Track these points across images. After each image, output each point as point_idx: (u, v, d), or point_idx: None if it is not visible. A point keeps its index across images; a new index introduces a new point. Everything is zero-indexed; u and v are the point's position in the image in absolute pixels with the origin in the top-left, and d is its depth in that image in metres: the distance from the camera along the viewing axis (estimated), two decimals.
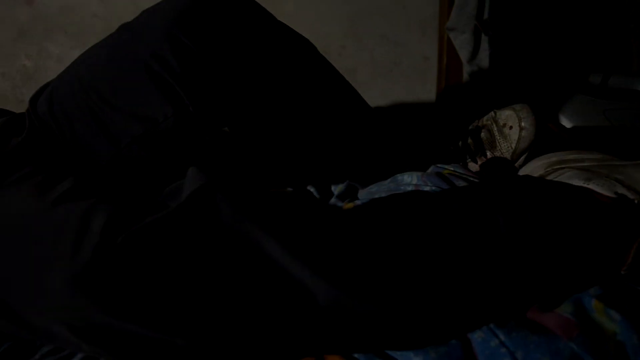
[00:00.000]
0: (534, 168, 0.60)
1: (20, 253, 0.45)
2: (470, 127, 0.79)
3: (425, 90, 1.19)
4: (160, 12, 0.63)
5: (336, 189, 0.83)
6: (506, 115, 0.76)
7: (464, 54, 1.02)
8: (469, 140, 0.77)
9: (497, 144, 0.75)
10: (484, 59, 1.01)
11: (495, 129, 0.75)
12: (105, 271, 0.39)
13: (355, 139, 0.74)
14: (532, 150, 0.74)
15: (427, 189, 0.62)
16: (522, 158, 0.75)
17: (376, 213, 0.50)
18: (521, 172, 0.67)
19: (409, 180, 0.68)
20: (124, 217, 0.43)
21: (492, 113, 0.78)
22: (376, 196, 0.70)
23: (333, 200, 0.76)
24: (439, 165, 0.71)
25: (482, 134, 0.76)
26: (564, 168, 0.55)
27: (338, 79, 0.72)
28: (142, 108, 0.63)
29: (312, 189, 0.84)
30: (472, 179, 0.63)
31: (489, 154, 0.75)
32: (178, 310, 0.39)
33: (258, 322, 0.39)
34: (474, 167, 0.76)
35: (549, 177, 0.56)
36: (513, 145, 0.74)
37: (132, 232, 0.40)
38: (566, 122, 0.94)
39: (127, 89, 0.64)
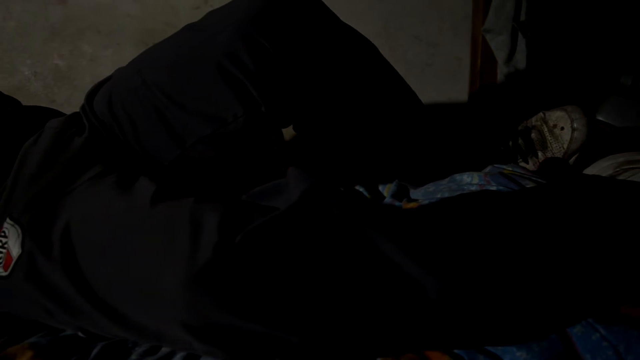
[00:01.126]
0: (601, 168, 0.62)
1: (123, 253, 0.46)
2: (519, 128, 0.81)
3: (457, 91, 1.20)
4: (233, 13, 0.63)
5: (384, 189, 0.84)
6: (557, 116, 0.77)
7: (501, 56, 1.04)
8: (520, 141, 0.78)
9: (549, 145, 0.77)
10: (520, 60, 1.02)
11: (545, 129, 0.77)
12: (226, 269, 0.40)
13: (410, 138, 0.75)
14: (583, 151, 0.76)
15: (493, 188, 0.63)
16: (573, 158, 0.76)
17: (459, 211, 0.51)
18: (587, 172, 0.68)
19: (469, 180, 0.69)
20: (236, 217, 0.43)
21: (540, 114, 0.80)
22: (438, 195, 0.71)
23: (388, 199, 0.77)
24: (495, 165, 0.72)
25: (533, 135, 0.78)
26: (635, 168, 0.56)
27: (396, 79, 0.74)
28: (211, 107, 0.64)
29: (361, 189, 0.85)
30: (535, 178, 0.64)
31: (540, 154, 0.77)
32: (296, 308, 0.40)
33: (373, 318, 0.40)
34: (526, 167, 0.78)
35: (620, 177, 0.58)
36: (565, 146, 0.75)
37: (249, 230, 0.41)
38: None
39: (197, 88, 0.64)
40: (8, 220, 0.55)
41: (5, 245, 0.52)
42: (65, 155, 0.65)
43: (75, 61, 1.23)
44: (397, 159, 0.79)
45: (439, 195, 0.69)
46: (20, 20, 1.22)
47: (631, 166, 0.58)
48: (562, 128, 0.76)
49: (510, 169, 0.70)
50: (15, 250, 0.51)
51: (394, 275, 0.40)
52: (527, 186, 0.61)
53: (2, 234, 0.54)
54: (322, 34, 0.65)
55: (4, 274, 0.52)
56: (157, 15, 1.18)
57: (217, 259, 0.40)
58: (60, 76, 1.24)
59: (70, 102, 1.25)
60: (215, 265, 0.40)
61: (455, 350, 0.44)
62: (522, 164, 0.78)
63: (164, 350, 0.49)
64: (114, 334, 0.50)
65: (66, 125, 0.73)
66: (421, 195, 0.75)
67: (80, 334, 0.51)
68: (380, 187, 0.85)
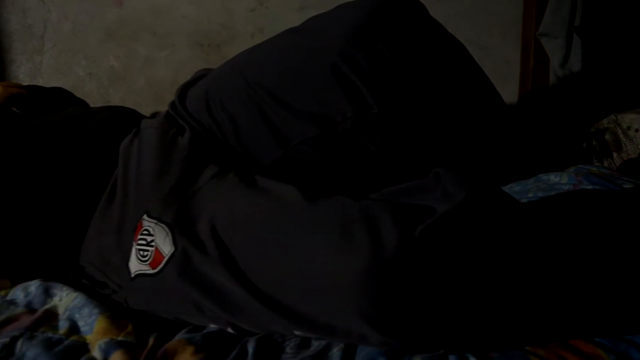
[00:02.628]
0: None
1: (287, 249, 0.48)
2: (591, 130, 0.84)
3: (507, 93, 1.23)
4: (345, 17, 0.65)
5: None
6: (630, 119, 0.81)
7: (556, 59, 1.07)
8: (593, 142, 0.82)
9: (623, 146, 0.80)
10: (576, 63, 1.06)
11: (619, 131, 0.80)
12: (409, 262, 0.43)
13: (495, 138, 0.78)
14: None
15: (589, 187, 0.67)
16: None
17: (570, 209, 0.55)
18: None
19: (558, 179, 0.72)
20: (404, 213, 0.46)
21: (612, 116, 0.83)
22: (530, 195, 0.74)
23: None
24: (579, 165, 0.75)
25: (607, 136, 0.81)
26: None
27: (485, 79, 0.76)
28: (320, 108, 0.65)
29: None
30: (627, 179, 0.68)
31: (615, 156, 0.81)
32: (476, 297, 0.43)
33: (536, 307, 0.43)
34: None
35: None
36: None
37: (428, 225, 0.44)
38: None
39: (306, 89, 0.66)
40: (146, 218, 0.57)
41: (153, 243, 0.55)
42: (178, 155, 0.67)
43: (130, 62, 1.24)
44: (483, 160, 0.81)
45: (530, 195, 0.72)
46: (76, 21, 1.23)
47: None
48: (637, 130, 0.79)
49: (595, 169, 0.74)
50: (167, 248, 0.53)
51: (554, 263, 0.43)
52: (625, 186, 0.65)
53: (146, 232, 0.56)
54: (429, 38, 0.68)
55: (152, 271, 0.54)
56: (213, 16, 1.20)
57: (400, 252, 0.43)
58: (115, 77, 1.25)
59: (124, 102, 1.26)
60: (400, 258, 0.43)
61: (597, 339, 0.48)
62: (597, 165, 0.81)
63: (316, 343, 0.51)
64: (270, 329, 0.52)
65: (166, 125, 0.75)
66: None
67: (230, 329, 0.53)
68: None
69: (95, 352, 0.51)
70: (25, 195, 0.71)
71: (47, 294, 0.62)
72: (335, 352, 0.49)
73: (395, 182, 0.83)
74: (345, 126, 0.68)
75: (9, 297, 0.65)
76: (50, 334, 0.54)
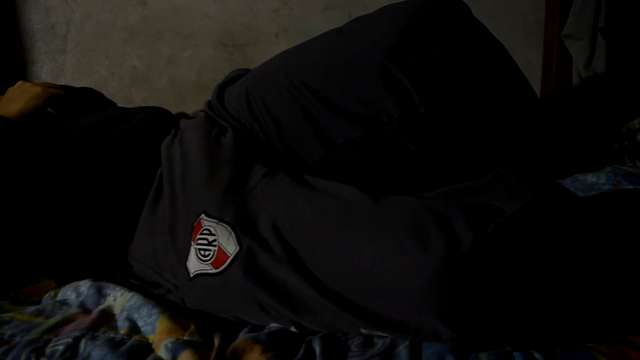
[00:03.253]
0: None
1: (356, 248, 0.49)
2: (622, 130, 0.86)
3: None
4: (393, 16, 0.66)
5: None
6: None
7: (580, 60, 1.09)
8: (625, 143, 0.83)
9: None
10: (600, 64, 1.07)
11: None
12: (485, 259, 0.44)
13: (534, 138, 0.79)
14: None
15: (630, 187, 0.68)
16: None
17: (616, 208, 0.56)
18: None
19: (595, 179, 0.73)
20: (474, 212, 0.47)
21: None
22: None
23: None
24: (615, 165, 0.77)
25: (639, 137, 0.82)
26: None
27: (524, 81, 0.77)
28: (365, 108, 0.66)
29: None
30: None
31: None
32: (549, 292, 0.44)
33: (605, 303, 0.45)
34: None
35: None
36: None
37: (500, 223, 0.45)
38: None
39: (352, 89, 0.66)
40: (205, 218, 0.57)
41: (215, 243, 0.55)
42: (225, 155, 0.68)
43: (153, 62, 1.24)
44: (522, 160, 0.82)
45: None
46: (99, 21, 1.23)
47: None
48: None
49: (631, 169, 0.75)
50: (231, 248, 0.54)
51: (620, 262, 0.45)
52: None
53: (207, 231, 0.56)
54: (474, 39, 0.69)
55: (214, 271, 0.55)
56: (237, 17, 1.20)
57: (476, 250, 0.44)
58: (138, 77, 1.25)
59: (146, 102, 1.26)
60: (476, 256, 0.44)
61: None
62: (630, 165, 0.83)
63: (380, 342, 0.52)
64: (335, 328, 0.52)
65: (207, 125, 0.76)
66: None
67: (292, 328, 0.54)
68: None
69: (161, 352, 0.52)
70: (71, 196, 0.71)
71: (100, 294, 0.62)
72: (402, 349, 0.50)
73: (434, 182, 0.84)
74: (391, 127, 0.69)
75: (59, 298, 0.65)
76: (112, 334, 0.54)
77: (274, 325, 0.56)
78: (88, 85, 1.26)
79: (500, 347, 0.49)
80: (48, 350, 0.52)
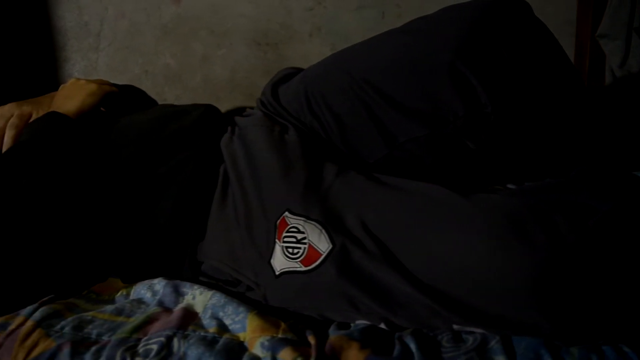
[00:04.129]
0: None
1: (452, 245, 0.50)
2: None
3: None
4: (460, 16, 0.66)
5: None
6: None
7: (615, 60, 1.10)
8: None
9: None
10: (635, 64, 1.09)
11: None
12: (587, 254, 0.45)
13: (592, 136, 0.80)
14: None
15: None
16: None
17: None
18: None
19: None
20: (567, 208, 0.48)
21: None
22: None
23: None
24: None
25: None
26: None
27: (580, 79, 0.78)
28: (431, 106, 0.66)
29: (512, 187, 0.90)
30: None
31: None
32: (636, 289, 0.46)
33: None
34: None
35: None
36: None
37: (599, 219, 0.46)
38: None
39: (418, 87, 0.67)
40: (290, 215, 0.58)
41: (305, 240, 0.56)
42: (293, 153, 0.68)
43: (187, 60, 1.24)
44: (560, 155, 0.83)
45: None
46: (132, 19, 1.22)
47: None
48: None
49: None
50: (323, 245, 0.54)
51: None
52: None
53: (294, 229, 0.57)
54: (537, 38, 0.70)
55: (304, 268, 0.55)
56: (271, 15, 1.20)
57: (580, 246, 0.45)
58: (171, 75, 1.25)
59: (180, 100, 1.26)
60: (579, 251, 0.45)
61: None
62: None
63: (471, 337, 0.52)
64: (428, 324, 0.53)
65: (268, 123, 0.76)
66: None
67: (382, 325, 0.55)
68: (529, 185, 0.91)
69: (256, 350, 0.52)
70: (136, 194, 0.71)
71: (177, 292, 0.62)
72: (494, 344, 0.51)
73: (487, 180, 0.85)
74: (455, 126, 0.70)
75: (133, 297, 0.65)
76: (202, 333, 0.54)
77: (361, 322, 0.56)
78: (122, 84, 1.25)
79: (594, 340, 0.50)
80: (141, 349, 0.52)
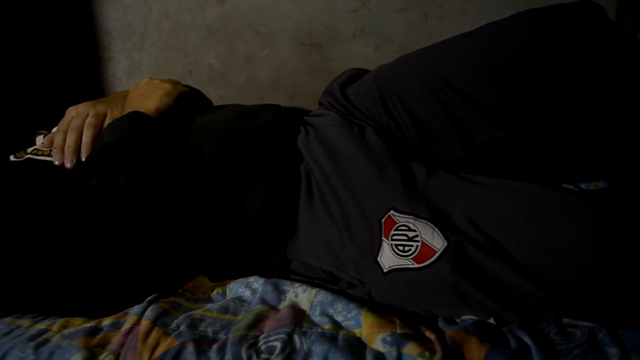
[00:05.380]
0: None
1: (566, 242, 0.52)
2: None
3: None
4: (540, 20, 0.68)
5: (589, 186, 0.91)
6: None
7: None
8: None
9: None
10: None
11: None
12: None
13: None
14: None
15: None
16: None
17: None
18: None
19: None
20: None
21: None
22: None
23: None
24: None
25: None
26: None
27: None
28: (512, 108, 0.68)
29: (567, 186, 0.91)
30: None
31: None
32: None
33: None
34: None
35: None
36: None
37: None
38: None
39: (500, 88, 0.68)
40: (396, 214, 0.59)
41: (417, 238, 0.57)
42: (380, 152, 0.69)
43: (231, 61, 1.24)
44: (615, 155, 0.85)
45: None
46: (177, 20, 1.22)
47: None
48: None
49: None
50: (438, 243, 0.56)
51: None
52: None
53: (404, 227, 0.58)
54: (613, 42, 0.71)
55: (416, 265, 0.56)
56: (315, 16, 1.21)
57: None
58: (215, 75, 1.25)
59: (223, 100, 1.26)
60: None
61: None
62: None
63: (578, 331, 0.53)
64: (538, 317, 0.54)
65: (345, 123, 0.77)
66: None
67: (492, 320, 0.56)
68: (584, 185, 0.93)
69: (377, 345, 0.53)
70: (220, 193, 0.71)
71: (278, 290, 0.63)
72: (603, 337, 0.52)
73: (552, 179, 0.86)
74: (533, 127, 0.71)
75: (231, 295, 0.66)
76: (319, 330, 0.55)
77: (467, 317, 0.58)
78: None
79: None
80: (262, 346, 0.53)
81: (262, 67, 1.24)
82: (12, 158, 0.80)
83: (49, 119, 1.07)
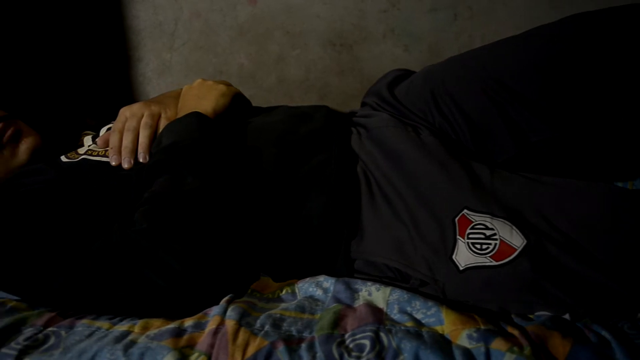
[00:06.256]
0: None
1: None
2: None
3: None
4: (594, 24, 0.70)
5: (626, 185, 0.93)
6: None
7: None
8: None
9: None
10: None
11: None
12: None
13: None
14: None
15: None
16: None
17: None
18: None
19: None
20: None
21: None
22: None
23: None
24: None
25: None
26: None
27: None
28: (565, 108, 0.70)
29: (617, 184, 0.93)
30: None
31: None
32: None
33: None
34: None
35: None
36: None
37: None
38: None
39: (553, 88, 0.70)
40: (470, 213, 0.60)
41: (495, 237, 0.58)
42: (439, 152, 0.70)
43: (261, 61, 1.24)
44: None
45: None
46: (207, 20, 1.22)
47: None
48: None
49: None
50: (517, 241, 0.57)
51: None
52: None
53: (481, 226, 0.59)
54: None
55: (494, 263, 0.58)
56: (346, 17, 1.22)
57: None
58: (245, 75, 1.25)
59: (253, 100, 1.25)
60: None
61: None
62: None
63: None
64: (612, 313, 0.56)
65: (400, 124, 0.77)
66: None
67: (567, 316, 0.58)
68: (621, 184, 0.94)
69: (462, 341, 0.54)
70: (281, 194, 0.72)
71: (351, 289, 0.64)
72: None
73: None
74: (588, 127, 0.73)
75: (303, 294, 0.67)
76: (402, 327, 0.56)
77: (541, 313, 0.59)
78: None
79: None
80: (351, 344, 0.54)
81: (292, 67, 1.25)
82: (63, 159, 0.80)
83: (80, 119, 1.07)
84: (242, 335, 0.54)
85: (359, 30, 1.24)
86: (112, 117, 0.87)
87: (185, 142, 0.68)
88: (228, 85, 0.84)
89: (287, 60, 1.25)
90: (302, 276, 0.70)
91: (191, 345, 0.54)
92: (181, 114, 0.79)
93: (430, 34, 1.23)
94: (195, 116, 0.74)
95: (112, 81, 1.24)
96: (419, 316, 0.58)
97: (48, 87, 1.18)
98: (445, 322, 0.56)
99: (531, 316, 0.60)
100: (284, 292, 0.67)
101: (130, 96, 1.26)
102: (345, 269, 0.69)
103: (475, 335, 0.54)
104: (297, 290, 0.67)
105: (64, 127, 0.90)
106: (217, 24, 1.22)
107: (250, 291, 0.67)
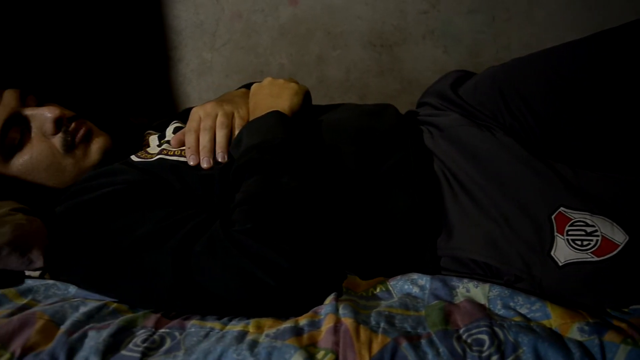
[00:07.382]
0: None
1: None
2: None
3: None
4: None
5: None
6: None
7: None
8: None
9: None
10: None
11: None
12: None
13: None
14: None
15: None
16: None
17: None
18: None
19: None
20: None
21: None
22: None
23: None
24: None
25: None
26: None
27: None
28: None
29: None
30: None
31: None
32: None
33: None
34: None
35: None
36: None
37: None
38: None
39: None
40: (568, 210, 0.62)
41: (596, 233, 0.61)
42: (518, 152, 0.73)
43: (302, 61, 1.25)
44: None
45: None
46: (249, 20, 1.22)
47: None
48: None
49: None
50: (619, 237, 0.60)
51: None
52: None
53: (581, 222, 0.61)
54: None
55: (596, 259, 0.60)
56: (386, 18, 1.23)
57: None
58: (285, 75, 1.24)
59: None
60: None
61: None
62: None
63: None
64: None
65: (473, 124, 0.79)
66: None
67: None
68: None
69: (574, 334, 0.56)
70: (367, 192, 0.73)
71: (448, 286, 0.65)
72: None
73: None
74: None
75: (396, 292, 0.68)
76: (513, 322, 0.58)
77: (635, 307, 0.62)
78: (235, 84, 1.24)
79: None
80: (469, 339, 0.55)
81: (332, 67, 1.26)
82: (135, 158, 0.79)
83: (122, 118, 1.06)
84: (363, 332, 0.55)
85: (399, 32, 1.26)
86: (161, 117, 0.87)
87: (275, 141, 0.69)
88: (297, 82, 0.84)
89: (327, 61, 1.26)
90: (389, 273, 0.71)
91: (313, 344, 0.55)
92: (256, 113, 0.79)
93: (469, 35, 1.25)
94: (275, 115, 0.74)
95: (152, 81, 1.23)
96: (523, 311, 0.60)
97: (101, 87, 1.17)
98: (552, 316, 0.58)
99: (625, 310, 0.62)
100: (377, 290, 0.68)
101: (170, 96, 1.25)
102: (431, 266, 0.71)
103: (586, 328, 0.56)
104: (391, 288, 0.68)
105: (128, 127, 0.89)
106: (258, 24, 1.23)
107: (345, 289, 0.68)
